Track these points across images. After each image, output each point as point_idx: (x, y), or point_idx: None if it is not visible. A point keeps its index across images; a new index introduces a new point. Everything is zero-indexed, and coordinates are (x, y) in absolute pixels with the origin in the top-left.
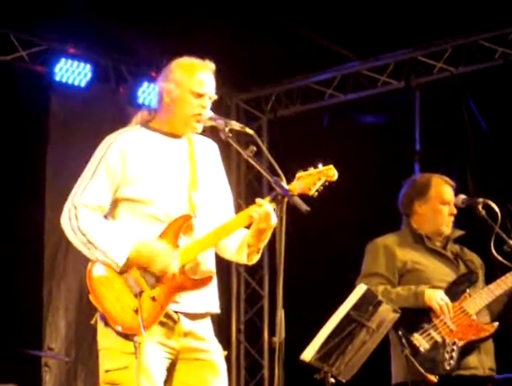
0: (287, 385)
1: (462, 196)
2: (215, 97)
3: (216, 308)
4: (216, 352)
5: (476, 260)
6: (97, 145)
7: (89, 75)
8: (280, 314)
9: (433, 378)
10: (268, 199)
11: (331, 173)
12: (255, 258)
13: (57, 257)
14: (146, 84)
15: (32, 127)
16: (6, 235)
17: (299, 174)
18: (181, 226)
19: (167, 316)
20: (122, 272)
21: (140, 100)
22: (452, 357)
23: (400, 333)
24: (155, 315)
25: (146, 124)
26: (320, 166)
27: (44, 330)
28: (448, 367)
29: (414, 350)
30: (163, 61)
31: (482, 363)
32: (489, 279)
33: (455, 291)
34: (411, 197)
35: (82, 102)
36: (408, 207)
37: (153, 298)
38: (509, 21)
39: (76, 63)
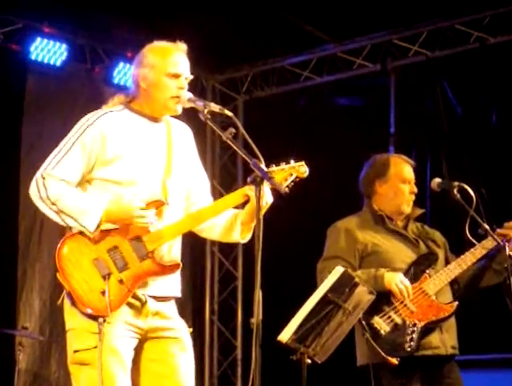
0: (263, 366)
1: (437, 180)
2: (191, 77)
3: (178, 293)
4: (182, 329)
5: (438, 237)
6: (71, 124)
7: (65, 55)
8: (258, 295)
9: (394, 361)
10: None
11: (302, 169)
12: (248, 236)
13: (32, 236)
14: (121, 64)
15: (7, 105)
16: None
17: (271, 169)
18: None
19: (135, 297)
20: (96, 240)
21: (116, 81)
22: (412, 338)
23: (361, 316)
24: (122, 298)
25: (127, 105)
26: (292, 161)
27: (18, 309)
28: (408, 349)
29: (375, 333)
30: (139, 42)
31: (444, 342)
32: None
33: (415, 272)
34: (371, 177)
35: (58, 81)
36: (369, 188)
37: (121, 281)
38: (485, 5)
39: (51, 42)
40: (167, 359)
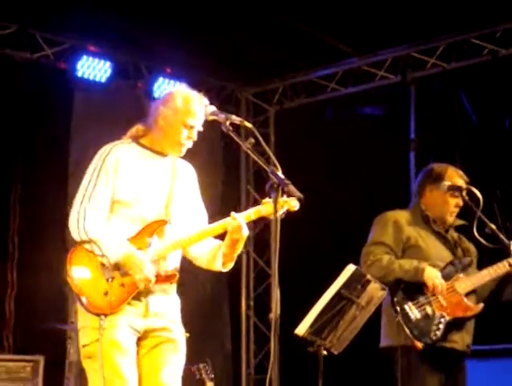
0: (284, 357)
1: (447, 183)
2: (201, 130)
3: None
4: (178, 331)
5: (471, 249)
6: (116, 138)
7: (109, 72)
8: (276, 292)
9: (419, 345)
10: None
11: (293, 204)
12: (230, 266)
13: None
14: (161, 79)
15: (56, 121)
16: (29, 223)
17: (265, 200)
18: (156, 229)
19: (136, 298)
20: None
21: (156, 95)
22: (438, 329)
23: (395, 299)
24: (122, 299)
25: (136, 139)
26: (285, 196)
27: (68, 305)
28: (434, 338)
29: (406, 317)
30: (178, 59)
31: (463, 339)
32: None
33: (449, 271)
34: (425, 181)
35: (103, 97)
36: (420, 189)
37: (122, 285)
38: (497, 19)
39: (96, 60)
40: (160, 359)
